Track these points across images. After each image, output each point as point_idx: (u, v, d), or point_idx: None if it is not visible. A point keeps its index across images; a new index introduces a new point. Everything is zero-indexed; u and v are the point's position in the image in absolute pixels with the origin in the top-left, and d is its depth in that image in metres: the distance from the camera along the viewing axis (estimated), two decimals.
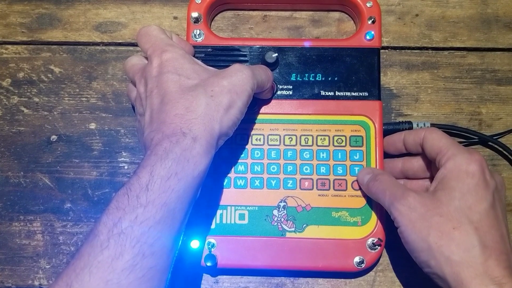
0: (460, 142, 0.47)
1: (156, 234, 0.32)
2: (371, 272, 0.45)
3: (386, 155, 0.45)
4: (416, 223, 0.37)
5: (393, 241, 0.43)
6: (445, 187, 0.37)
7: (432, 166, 0.42)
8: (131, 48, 0.51)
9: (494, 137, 0.47)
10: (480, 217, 0.36)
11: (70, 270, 0.31)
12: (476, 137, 0.47)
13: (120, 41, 0.51)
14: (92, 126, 0.49)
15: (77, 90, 0.50)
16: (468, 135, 0.47)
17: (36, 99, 0.50)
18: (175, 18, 0.51)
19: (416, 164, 0.43)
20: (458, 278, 0.35)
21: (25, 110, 0.50)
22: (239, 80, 0.38)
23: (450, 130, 0.47)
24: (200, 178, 0.35)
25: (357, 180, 0.44)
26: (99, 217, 0.33)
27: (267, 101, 0.46)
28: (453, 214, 0.36)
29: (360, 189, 0.44)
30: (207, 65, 0.44)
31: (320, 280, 0.45)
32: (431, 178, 0.42)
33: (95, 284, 0.30)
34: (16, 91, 0.50)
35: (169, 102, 0.36)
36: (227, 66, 0.44)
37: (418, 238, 0.37)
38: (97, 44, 0.51)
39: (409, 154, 0.44)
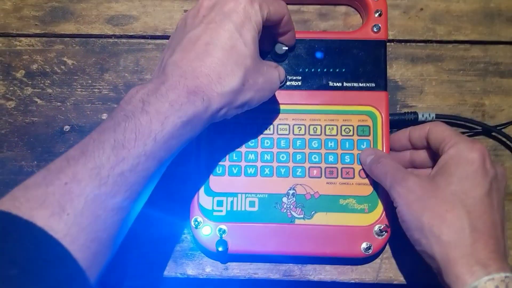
0: (464, 133, 0.49)
1: (145, 186, 0.34)
2: (377, 259, 0.47)
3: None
4: (412, 204, 0.38)
5: (398, 229, 0.44)
6: (444, 172, 0.39)
7: (437, 156, 0.43)
8: (142, 40, 0.52)
9: (497, 128, 0.48)
10: (474, 202, 0.37)
11: (64, 191, 0.31)
12: (480, 128, 0.48)
13: (132, 33, 0.52)
14: (104, 116, 0.50)
15: (90, 81, 0.51)
16: (472, 125, 0.48)
17: (49, 90, 0.51)
18: (186, 11, 0.52)
19: (423, 154, 0.44)
20: (446, 257, 0.36)
21: (39, 101, 0.51)
22: (269, 87, 0.40)
23: (455, 121, 0.48)
24: (186, 144, 0.36)
25: (359, 159, 0.45)
26: (102, 140, 0.32)
27: (276, 92, 0.47)
28: (448, 198, 0.37)
29: (366, 174, 0.45)
30: None
31: (327, 267, 0.46)
32: None
33: (86, 215, 0.31)
34: (30, 82, 0.51)
35: (211, 56, 0.36)
36: None
37: (412, 218, 0.38)
38: (109, 36, 0.52)
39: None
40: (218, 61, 0.36)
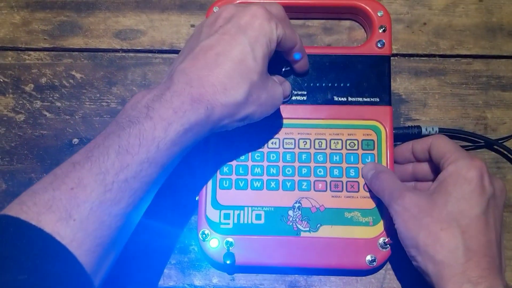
0: (467, 146, 0.49)
1: (148, 192, 0.35)
2: (381, 270, 0.47)
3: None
4: (408, 222, 0.39)
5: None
6: (442, 190, 0.39)
7: (439, 169, 0.44)
8: (149, 54, 0.52)
9: (499, 141, 0.49)
10: (470, 222, 0.37)
11: (70, 196, 0.31)
12: (482, 141, 0.49)
13: (139, 48, 0.53)
14: None
15: (98, 95, 0.52)
16: (475, 139, 0.49)
17: (58, 104, 0.52)
18: (192, 26, 0.53)
19: (425, 167, 0.45)
20: (438, 275, 0.37)
21: (48, 114, 0.51)
22: (272, 102, 0.41)
23: (458, 134, 0.49)
24: (187, 151, 0.37)
25: (362, 174, 0.46)
26: (107, 145, 0.33)
27: (282, 106, 0.47)
28: (444, 217, 0.38)
29: (369, 188, 0.46)
30: None
31: (333, 278, 0.47)
32: None
33: (92, 221, 0.31)
34: (39, 96, 0.52)
35: (220, 67, 0.37)
36: None
37: (408, 236, 0.39)
38: (117, 50, 0.53)
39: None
40: (226, 73, 0.37)
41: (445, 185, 0.39)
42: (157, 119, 0.34)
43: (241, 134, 0.47)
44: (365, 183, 0.46)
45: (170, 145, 0.34)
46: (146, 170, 0.34)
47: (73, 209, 0.31)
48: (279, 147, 0.47)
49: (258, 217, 0.46)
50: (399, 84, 0.51)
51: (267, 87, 0.40)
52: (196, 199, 0.47)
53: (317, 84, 0.48)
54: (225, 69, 0.37)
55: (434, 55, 0.52)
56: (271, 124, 0.47)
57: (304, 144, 0.47)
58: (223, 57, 0.37)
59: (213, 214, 0.46)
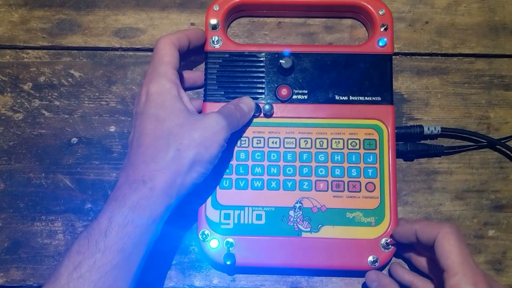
0: (469, 146, 0.49)
1: (112, 279, 0.36)
2: (383, 271, 0.47)
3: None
4: None
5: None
6: None
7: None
8: (149, 53, 0.52)
9: (502, 141, 0.49)
10: None
11: None
12: (485, 141, 0.49)
13: (139, 46, 0.52)
14: (112, 129, 0.50)
15: (97, 94, 0.51)
16: (477, 138, 0.49)
17: (57, 103, 0.51)
18: (192, 24, 0.52)
19: (424, 263, 0.44)
20: None
21: (46, 113, 0.51)
22: (211, 133, 0.40)
23: (460, 134, 0.49)
24: (156, 224, 0.39)
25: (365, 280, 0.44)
26: (61, 259, 0.37)
27: (283, 105, 0.47)
28: None
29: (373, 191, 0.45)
30: (225, 71, 0.47)
31: (334, 279, 0.47)
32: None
33: None
34: (37, 94, 0.51)
35: (142, 145, 0.40)
36: (245, 72, 0.47)
37: None
38: (116, 49, 0.52)
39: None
40: (148, 145, 0.40)
41: None
42: (102, 216, 0.37)
43: (241, 134, 0.46)
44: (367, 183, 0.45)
45: (119, 229, 0.36)
46: (101, 260, 0.36)
47: None
48: (279, 147, 0.46)
49: (258, 217, 0.45)
50: (401, 83, 0.51)
51: (195, 125, 0.40)
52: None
53: (318, 83, 0.47)
54: (147, 143, 0.40)
55: (436, 54, 0.51)
56: (271, 123, 0.47)
57: (305, 144, 0.46)
58: (142, 136, 0.40)
59: (213, 214, 0.45)
